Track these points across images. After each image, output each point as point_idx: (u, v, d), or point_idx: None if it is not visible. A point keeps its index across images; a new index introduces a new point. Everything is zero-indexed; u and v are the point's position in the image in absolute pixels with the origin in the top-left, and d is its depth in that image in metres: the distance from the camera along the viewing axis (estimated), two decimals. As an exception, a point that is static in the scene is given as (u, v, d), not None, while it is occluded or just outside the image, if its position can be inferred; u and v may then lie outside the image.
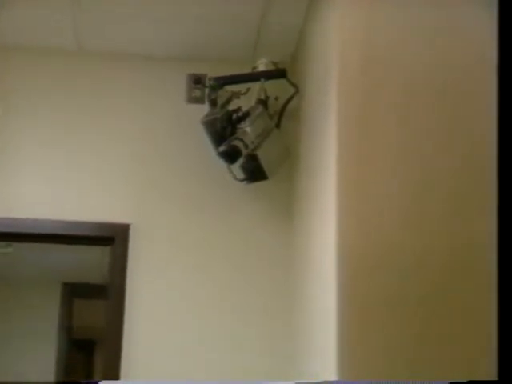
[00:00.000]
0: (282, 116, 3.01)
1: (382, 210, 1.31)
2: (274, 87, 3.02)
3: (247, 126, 2.90)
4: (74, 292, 3.33)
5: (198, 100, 3.03)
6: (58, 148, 3.20)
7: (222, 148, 2.90)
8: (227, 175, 3.00)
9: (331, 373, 2.11)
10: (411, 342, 1.29)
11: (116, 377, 2.99)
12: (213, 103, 2.95)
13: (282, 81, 3.04)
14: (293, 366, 2.98)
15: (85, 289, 3.30)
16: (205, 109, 2.98)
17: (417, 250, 1.22)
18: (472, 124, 1.07)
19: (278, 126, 2.98)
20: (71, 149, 3.20)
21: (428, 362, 1.22)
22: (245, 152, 2.90)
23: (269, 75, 3.01)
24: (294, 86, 3.03)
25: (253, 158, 2.92)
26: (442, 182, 1.16)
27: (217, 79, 2.96)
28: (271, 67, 3.02)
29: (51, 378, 3.26)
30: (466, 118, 1.12)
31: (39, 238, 3.16)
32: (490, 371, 0.89)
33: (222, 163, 2.98)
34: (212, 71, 3.02)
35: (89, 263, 3.21)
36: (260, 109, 2.93)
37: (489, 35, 0.90)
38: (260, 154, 2.93)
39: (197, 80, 3.01)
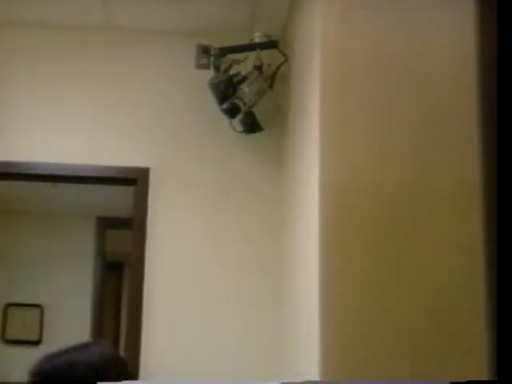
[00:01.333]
0: (274, 79, 3.02)
1: (359, 153, 1.28)
2: (268, 56, 3.04)
3: (245, 87, 2.92)
4: (106, 224, 3.34)
5: (205, 66, 3.01)
6: (93, 108, 3.22)
7: (224, 105, 2.94)
8: (229, 128, 3.05)
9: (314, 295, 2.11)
10: (390, 287, 1.12)
11: (139, 292, 3.05)
12: (217, 69, 2.98)
13: (274, 50, 3.06)
14: (281, 288, 3.03)
15: (115, 221, 3.30)
16: (210, 73, 3.00)
17: (393, 190, 1.13)
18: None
19: (271, 87, 3.00)
20: (102, 108, 3.23)
21: (409, 312, 1.05)
22: (243, 109, 2.94)
23: (263, 46, 3.03)
24: (284, 54, 3.04)
25: (250, 114, 2.97)
26: (417, 131, 1.09)
27: (220, 49, 2.98)
28: (265, 39, 3.02)
29: (89, 293, 3.30)
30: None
31: (77, 179, 3.18)
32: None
33: (224, 118, 3.02)
34: (216, 42, 3.03)
35: (118, 200, 3.24)
36: (256, 73, 2.95)
37: (470, 42, 0.84)
38: (256, 110, 2.97)
39: (204, 50, 3.00)
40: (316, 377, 1.49)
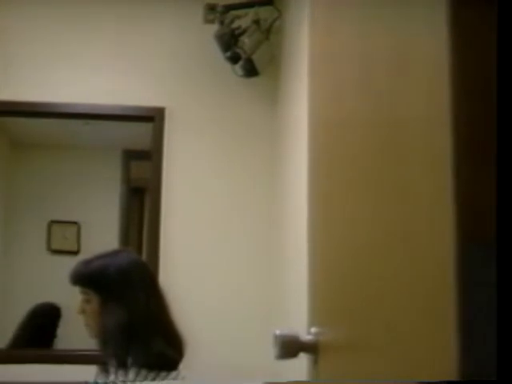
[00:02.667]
0: (270, 32, 3.00)
1: (344, 92, 1.19)
2: (264, 12, 3.02)
3: (245, 38, 2.91)
4: (130, 156, 3.32)
5: (212, 21, 2.98)
6: (117, 55, 3.23)
7: (227, 54, 2.94)
8: (231, 73, 3.05)
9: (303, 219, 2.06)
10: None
11: (158, 211, 3.09)
12: (221, 23, 2.95)
13: (270, 7, 3.05)
14: (271, 228, 3.11)
15: (137, 153, 3.30)
16: (216, 27, 2.98)
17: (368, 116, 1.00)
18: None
19: (267, 38, 2.98)
20: (123, 56, 3.23)
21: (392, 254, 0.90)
22: (243, 56, 2.94)
23: (260, 3, 3.01)
24: (278, 10, 3.04)
25: (249, 61, 2.96)
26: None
27: (224, 6, 2.96)
28: (262, -3, 3.04)
29: (116, 213, 3.30)
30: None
31: (105, 117, 3.17)
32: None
33: (228, 64, 3.02)
34: (222, 1, 3.01)
35: (140, 135, 3.24)
36: (254, 27, 2.93)
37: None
38: (254, 57, 2.95)
39: (211, 7, 2.96)
40: (304, 325, 1.29)
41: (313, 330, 1.14)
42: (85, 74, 3.20)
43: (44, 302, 3.21)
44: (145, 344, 1.79)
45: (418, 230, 0.76)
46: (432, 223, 0.71)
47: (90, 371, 2.74)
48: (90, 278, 1.94)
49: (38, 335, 3.21)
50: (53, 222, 3.27)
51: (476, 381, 0.63)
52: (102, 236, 3.19)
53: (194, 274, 3.09)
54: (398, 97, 0.87)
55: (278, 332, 1.13)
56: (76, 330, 2.93)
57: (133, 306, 1.84)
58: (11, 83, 3.16)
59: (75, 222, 3.28)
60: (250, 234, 3.14)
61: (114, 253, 2.06)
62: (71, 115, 3.18)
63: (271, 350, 1.15)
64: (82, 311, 1.92)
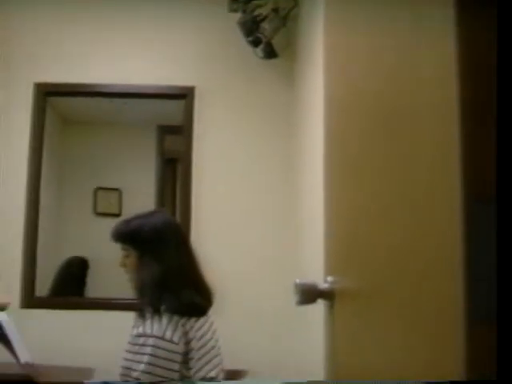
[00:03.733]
0: (287, 19, 2.95)
1: (359, 72, 1.13)
2: (283, 1, 2.95)
3: (265, 24, 2.87)
4: (164, 131, 3.31)
5: (235, 10, 2.94)
6: (153, 40, 3.21)
7: (250, 38, 2.92)
8: (253, 55, 3.03)
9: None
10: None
11: (189, 179, 3.09)
12: (244, 11, 2.93)
13: None
14: (290, 188, 3.09)
15: (171, 128, 3.29)
16: (239, 15, 2.95)
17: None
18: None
19: (285, 25, 2.94)
20: (158, 39, 3.21)
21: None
22: (264, 40, 2.91)
23: None
24: (294, 0, 3.00)
25: (269, 44, 2.93)
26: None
27: None
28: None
29: (152, 181, 3.28)
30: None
31: (142, 95, 3.17)
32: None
33: (250, 48, 2.99)
34: None
35: (172, 112, 3.22)
36: (273, 14, 2.89)
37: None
38: (273, 42, 2.93)
39: None
40: (321, 275, 1.24)
41: (329, 278, 1.14)
42: (124, 58, 3.18)
43: (74, 256, 3.25)
44: (176, 293, 1.80)
45: (426, 188, 0.75)
46: (440, 182, 0.70)
47: (117, 316, 2.81)
48: (128, 236, 1.94)
49: (70, 284, 3.24)
50: (98, 188, 3.31)
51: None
52: (140, 201, 3.20)
53: (221, 232, 3.10)
54: (409, 66, 0.83)
55: (298, 281, 1.13)
56: (104, 280, 3.00)
57: (166, 261, 1.84)
58: (62, 68, 3.17)
59: (117, 189, 3.31)
60: (271, 194, 3.12)
61: (150, 213, 2.06)
62: (113, 94, 3.17)
63: (292, 297, 1.16)
64: (124, 265, 1.94)
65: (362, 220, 0.99)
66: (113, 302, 3.00)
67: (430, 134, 0.75)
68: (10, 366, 1.88)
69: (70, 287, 3.23)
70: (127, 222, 1.99)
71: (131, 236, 1.93)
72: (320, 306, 1.19)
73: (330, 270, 1.17)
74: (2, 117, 3.15)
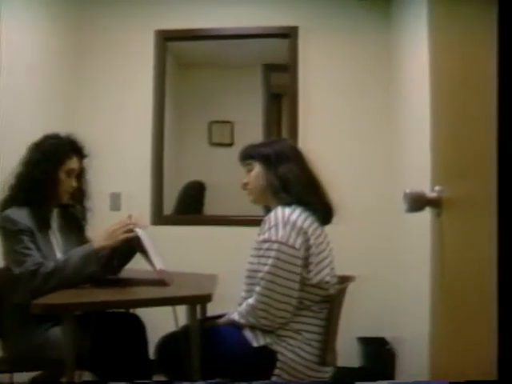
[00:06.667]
0: None
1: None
2: None
3: None
4: (270, 69, 3.28)
5: None
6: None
7: None
8: None
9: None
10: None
11: (295, 116, 3.06)
12: None
13: None
14: (391, 108, 2.97)
15: (276, 67, 3.24)
16: None
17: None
18: None
19: None
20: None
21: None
22: None
23: None
24: None
25: None
26: None
27: None
28: None
29: (260, 114, 3.25)
30: None
31: (250, 36, 3.13)
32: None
33: None
34: None
35: (278, 51, 3.11)
36: None
37: None
38: None
39: None
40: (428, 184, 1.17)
41: (436, 188, 1.12)
42: (233, 2, 3.16)
43: (193, 180, 3.34)
44: (298, 197, 1.80)
45: None
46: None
47: (230, 231, 2.92)
48: (253, 152, 1.93)
49: (190, 203, 3.36)
50: (212, 121, 3.37)
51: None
52: (250, 132, 3.22)
53: (327, 157, 3.06)
54: None
55: (407, 190, 1.12)
56: (218, 200, 3.08)
57: (287, 172, 1.85)
58: (176, 16, 3.20)
59: (229, 122, 3.36)
60: (373, 116, 3.07)
61: (275, 140, 2.07)
62: (223, 37, 3.16)
63: (402, 206, 1.15)
64: (245, 185, 1.95)
65: (474, 127, 0.93)
66: (227, 218, 3.12)
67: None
68: (148, 273, 2.02)
69: (190, 207, 3.36)
70: (253, 144, 1.98)
71: (255, 151, 1.92)
72: (426, 213, 1.16)
73: (437, 179, 1.13)
74: (128, 61, 3.24)
